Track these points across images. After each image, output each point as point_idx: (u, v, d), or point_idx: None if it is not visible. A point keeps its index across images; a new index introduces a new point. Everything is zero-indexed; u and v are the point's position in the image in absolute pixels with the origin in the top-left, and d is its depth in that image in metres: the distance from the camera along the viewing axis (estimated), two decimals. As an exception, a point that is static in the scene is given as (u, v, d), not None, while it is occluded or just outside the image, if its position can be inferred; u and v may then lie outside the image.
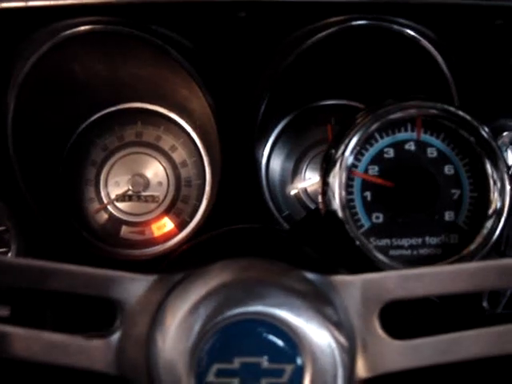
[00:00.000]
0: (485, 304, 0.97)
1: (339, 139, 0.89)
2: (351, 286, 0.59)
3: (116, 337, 0.58)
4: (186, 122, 1.27)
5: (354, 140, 0.89)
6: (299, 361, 0.54)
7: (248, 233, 0.82)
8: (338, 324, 0.56)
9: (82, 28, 0.98)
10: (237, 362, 0.54)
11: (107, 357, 0.57)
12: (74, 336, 0.57)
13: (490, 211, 0.90)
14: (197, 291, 0.56)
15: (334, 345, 0.55)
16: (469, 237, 0.91)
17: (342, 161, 0.88)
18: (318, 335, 0.55)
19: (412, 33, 1.00)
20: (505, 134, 1.02)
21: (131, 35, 0.99)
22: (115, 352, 0.57)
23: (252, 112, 1.08)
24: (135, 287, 0.59)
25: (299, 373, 0.54)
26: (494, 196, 0.90)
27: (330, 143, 0.93)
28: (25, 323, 0.58)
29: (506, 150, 1.01)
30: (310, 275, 0.59)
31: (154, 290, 0.59)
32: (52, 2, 0.91)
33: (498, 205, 0.89)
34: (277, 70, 1.04)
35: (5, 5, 0.90)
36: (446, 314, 0.96)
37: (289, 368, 0.54)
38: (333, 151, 0.90)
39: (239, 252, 0.65)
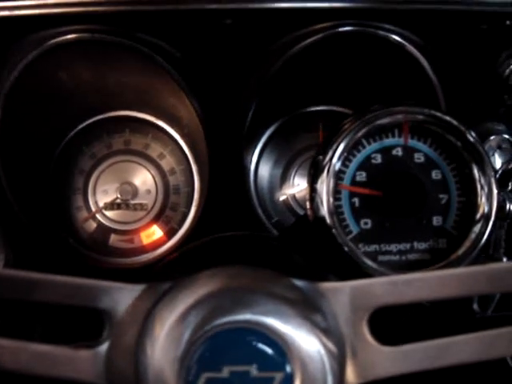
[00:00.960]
0: (475, 307, 0.97)
1: (327, 145, 0.90)
2: (340, 293, 0.59)
3: (104, 347, 0.57)
4: (174, 129, 1.27)
5: (342, 146, 0.89)
6: (288, 368, 0.54)
7: (236, 240, 0.82)
8: (326, 331, 0.56)
9: (69, 36, 0.97)
10: (226, 371, 0.53)
11: (95, 367, 0.57)
12: (62, 347, 0.57)
13: (478, 215, 0.90)
14: (185, 300, 0.56)
15: (323, 352, 0.55)
16: (457, 241, 0.91)
17: (329, 167, 0.89)
18: (307, 342, 0.54)
19: (398, 38, 1.00)
20: (492, 138, 1.02)
21: (118, 43, 0.99)
22: (103, 362, 0.57)
23: (240, 119, 1.08)
24: (123, 297, 0.58)
25: (289, 380, 0.54)
26: (482, 200, 0.90)
27: (317, 149, 0.93)
28: (13, 334, 0.58)
29: (493, 154, 1.02)
30: (298, 282, 0.59)
31: (141, 300, 0.58)
32: (38, 11, 0.91)
33: (486, 209, 0.90)
34: (264, 77, 1.04)
35: (-11, 14, 0.90)
36: (436, 316, 0.96)
37: (278, 376, 0.54)
38: (320, 157, 0.90)
39: (227, 260, 0.65)
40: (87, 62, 1.08)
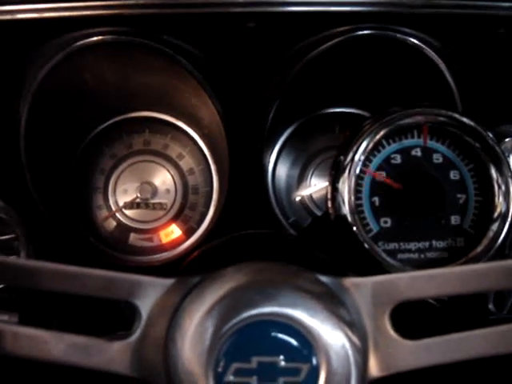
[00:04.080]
0: (491, 306, 0.98)
1: (348, 146, 0.91)
2: (363, 288, 0.60)
3: (135, 339, 0.59)
4: (194, 130, 1.29)
5: (363, 146, 0.91)
6: (314, 360, 0.55)
7: (261, 237, 0.83)
8: (351, 324, 0.57)
9: (94, 38, 0.99)
10: (254, 362, 0.55)
11: (126, 358, 0.59)
12: (96, 338, 0.59)
13: (495, 215, 0.91)
14: (213, 294, 0.58)
15: (347, 345, 0.56)
16: (475, 240, 0.92)
17: (350, 167, 0.90)
18: (333, 335, 0.56)
19: (416, 41, 1.02)
20: (507, 139, 1.03)
21: (142, 45, 1.01)
22: (134, 354, 0.59)
23: (260, 120, 1.09)
24: (153, 290, 0.60)
25: (315, 372, 0.55)
26: (499, 200, 0.91)
27: (338, 150, 0.94)
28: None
29: (509, 156, 1.03)
30: (322, 277, 0.61)
31: (171, 293, 0.60)
32: (65, 14, 0.93)
33: (503, 208, 0.91)
34: (284, 79, 1.05)
35: (20, 16, 0.92)
36: (453, 317, 0.97)
37: (305, 367, 0.55)
38: (341, 158, 0.91)
39: (253, 256, 0.67)
40: (111, 63, 1.10)
